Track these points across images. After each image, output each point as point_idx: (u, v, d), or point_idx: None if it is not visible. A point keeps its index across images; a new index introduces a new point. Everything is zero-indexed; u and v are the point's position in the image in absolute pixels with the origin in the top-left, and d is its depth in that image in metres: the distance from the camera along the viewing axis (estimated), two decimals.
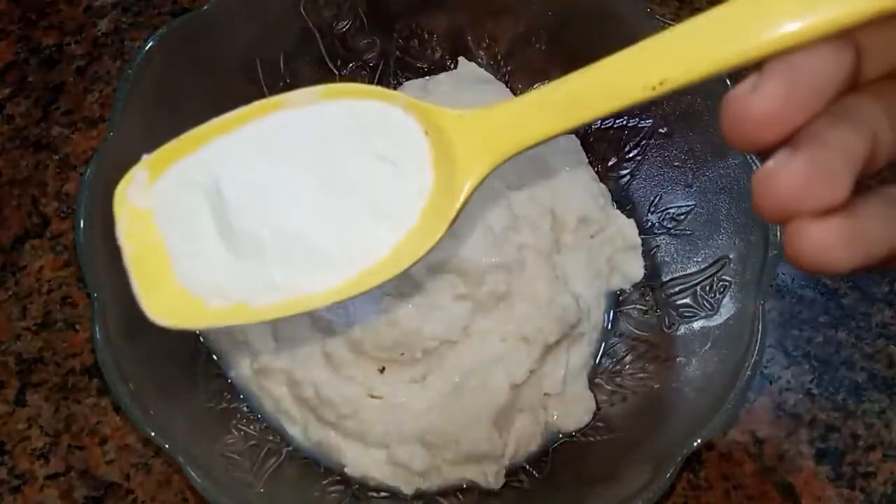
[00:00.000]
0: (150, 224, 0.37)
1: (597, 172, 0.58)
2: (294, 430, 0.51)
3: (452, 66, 0.60)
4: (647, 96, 0.28)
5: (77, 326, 0.57)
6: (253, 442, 0.49)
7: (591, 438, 0.51)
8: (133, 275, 0.36)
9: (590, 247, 0.54)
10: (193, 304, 0.36)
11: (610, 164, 0.58)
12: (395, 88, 0.59)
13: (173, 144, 0.37)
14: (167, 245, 0.36)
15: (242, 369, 0.51)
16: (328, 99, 0.37)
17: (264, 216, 0.36)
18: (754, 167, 0.48)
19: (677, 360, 0.50)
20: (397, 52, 0.60)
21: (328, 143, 0.37)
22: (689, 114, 0.52)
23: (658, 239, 0.55)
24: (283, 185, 0.36)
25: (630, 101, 0.29)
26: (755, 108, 0.24)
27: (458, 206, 0.35)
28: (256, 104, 0.37)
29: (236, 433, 0.49)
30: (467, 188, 0.34)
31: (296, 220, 0.36)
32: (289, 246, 0.35)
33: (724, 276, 0.50)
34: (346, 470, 0.49)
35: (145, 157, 0.37)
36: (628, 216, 0.56)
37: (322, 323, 0.49)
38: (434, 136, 0.36)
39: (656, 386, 0.50)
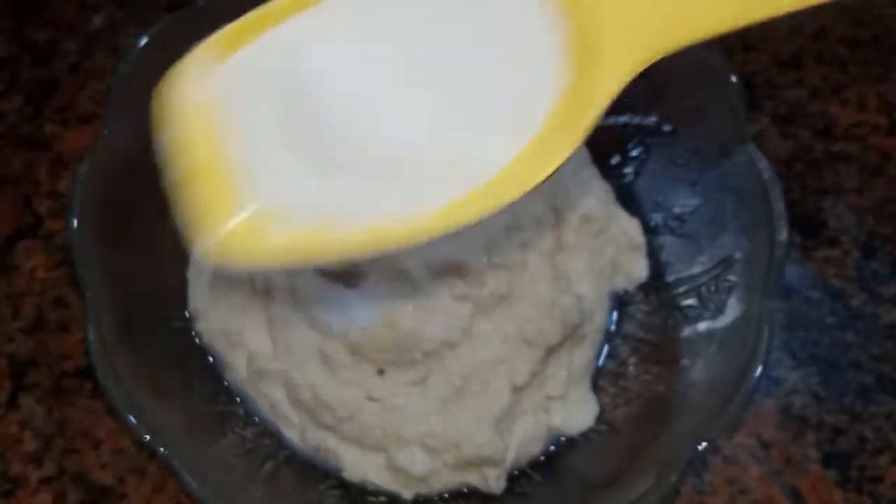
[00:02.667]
0: (208, 124, 0.28)
1: (599, 170, 0.57)
2: (291, 434, 0.50)
3: None
4: None
5: (70, 328, 0.56)
6: (249, 446, 0.49)
7: (595, 442, 0.50)
8: (182, 196, 0.27)
9: (593, 246, 0.53)
10: (256, 231, 0.27)
11: (613, 162, 0.57)
12: None
13: (251, 18, 0.28)
14: (227, 153, 0.28)
15: (238, 371, 0.51)
16: None
17: (354, 117, 0.27)
18: (759, 165, 0.47)
19: (682, 362, 0.50)
20: None
21: (432, 24, 0.28)
22: (694, 111, 0.51)
23: (662, 238, 0.54)
24: (377, 78, 0.28)
25: None
26: None
27: (597, 111, 0.27)
28: None
29: (232, 437, 0.49)
30: (613, 87, 0.27)
31: (390, 124, 0.28)
32: (382, 156, 0.27)
33: (729, 277, 0.49)
34: (344, 474, 0.48)
35: (212, 37, 0.28)
36: (632, 215, 0.55)
37: (319, 324, 0.49)
38: (576, 16, 0.27)
39: (661, 388, 0.50)
